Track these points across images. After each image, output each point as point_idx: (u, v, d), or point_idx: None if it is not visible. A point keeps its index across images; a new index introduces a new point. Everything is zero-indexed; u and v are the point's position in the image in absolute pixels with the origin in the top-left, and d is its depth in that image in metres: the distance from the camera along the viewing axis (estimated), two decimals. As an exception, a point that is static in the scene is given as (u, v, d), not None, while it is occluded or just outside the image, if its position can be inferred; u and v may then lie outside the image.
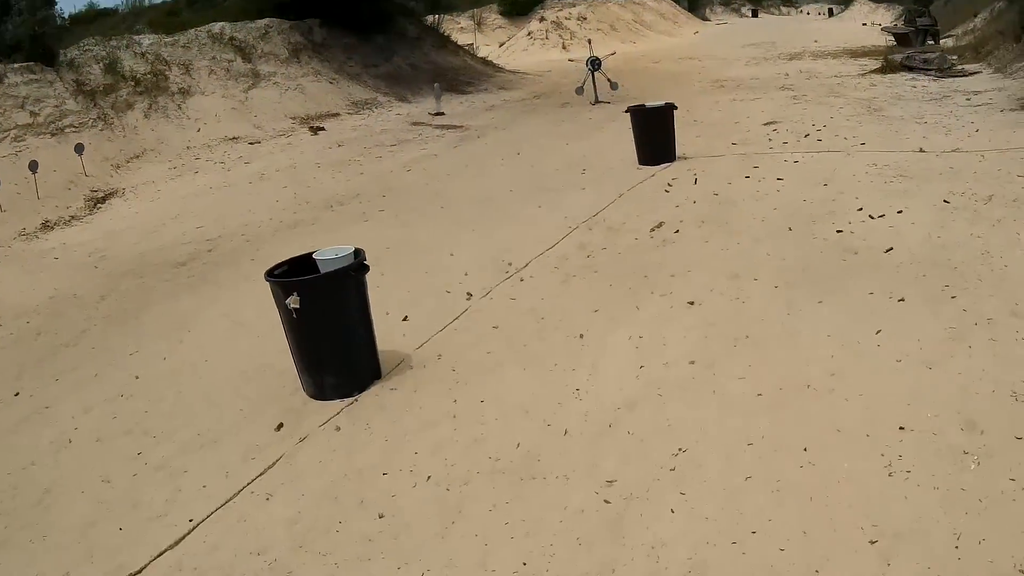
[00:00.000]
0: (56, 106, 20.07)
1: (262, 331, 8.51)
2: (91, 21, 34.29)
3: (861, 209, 10.01)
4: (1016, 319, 6.59)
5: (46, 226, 15.89)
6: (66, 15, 30.64)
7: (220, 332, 9.03)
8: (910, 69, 24.80)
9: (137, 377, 8.11)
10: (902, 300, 7.20)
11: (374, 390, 6.89)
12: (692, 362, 6.46)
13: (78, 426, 7.24)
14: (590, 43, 33.70)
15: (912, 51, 30.21)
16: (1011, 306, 6.85)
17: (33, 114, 19.47)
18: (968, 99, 18.49)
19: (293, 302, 6.48)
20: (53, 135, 19.20)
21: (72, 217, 16.38)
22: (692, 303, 7.61)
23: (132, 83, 22.35)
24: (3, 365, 9.23)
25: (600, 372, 6.56)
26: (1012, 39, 24.53)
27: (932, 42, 37.37)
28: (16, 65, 20.61)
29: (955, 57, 27.04)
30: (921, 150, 13.19)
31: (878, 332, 6.61)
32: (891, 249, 8.50)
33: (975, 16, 37.95)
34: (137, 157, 19.76)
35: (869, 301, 7.27)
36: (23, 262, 14.00)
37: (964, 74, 23.35)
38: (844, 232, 9.22)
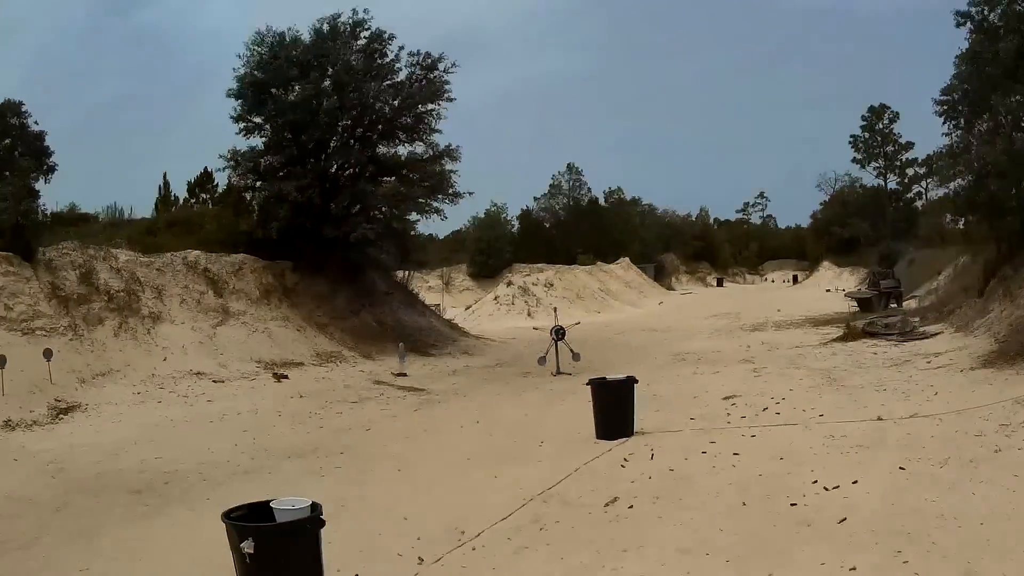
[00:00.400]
0: (30, 305, 20.32)
1: (213, 570, 8.30)
2: (71, 223, 34.57)
3: (816, 481, 10.08)
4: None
5: (8, 425, 15.99)
6: (48, 211, 31.07)
7: (171, 565, 8.98)
8: (872, 335, 25.28)
9: None
10: (853, 569, 7.18)
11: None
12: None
13: None
14: (555, 311, 34.23)
15: (874, 316, 30.86)
16: (964, 566, 6.85)
17: (7, 307, 19.77)
18: (928, 362, 18.87)
19: (248, 547, 6.47)
20: (24, 334, 19.44)
21: (34, 422, 16.46)
22: (642, 577, 7.50)
23: (106, 298, 22.59)
24: None
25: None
26: (975, 294, 25.07)
27: (895, 304, 38.12)
28: None
29: (917, 319, 27.61)
30: (879, 418, 13.43)
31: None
32: (844, 519, 8.53)
33: (939, 274, 38.90)
34: (103, 375, 19.86)
35: (820, 572, 7.24)
36: None
37: (925, 336, 23.80)
38: (798, 505, 9.25)
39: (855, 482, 9.86)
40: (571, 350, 24.99)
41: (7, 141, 32.73)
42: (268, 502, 7.12)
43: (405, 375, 25.13)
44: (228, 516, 6.91)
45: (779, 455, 11.68)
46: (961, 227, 39.47)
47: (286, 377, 23.20)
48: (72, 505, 11.48)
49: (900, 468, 10.30)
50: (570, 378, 22.82)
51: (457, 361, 29.59)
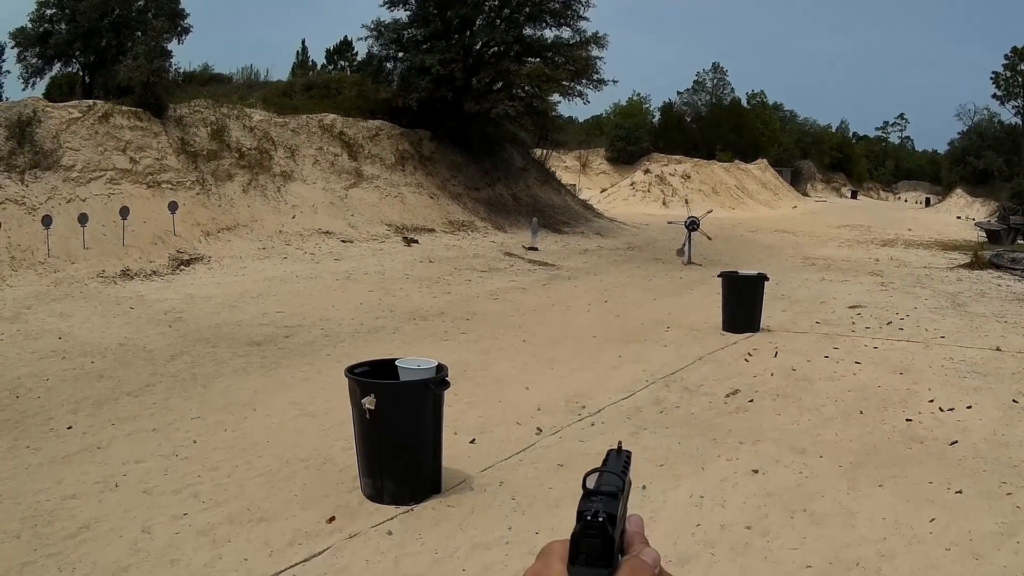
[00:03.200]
0: (157, 159, 20.81)
1: (329, 425, 8.81)
2: (204, 83, 35.31)
3: (932, 401, 10.18)
4: (1069, 520, 6.74)
5: (126, 274, 16.49)
6: (181, 71, 31.72)
7: (287, 417, 9.33)
8: (998, 267, 24.92)
9: (195, 441, 8.42)
10: (959, 492, 7.35)
11: (432, 503, 7.06)
12: (748, 527, 6.65)
13: (127, 473, 7.53)
14: (687, 202, 34.21)
15: (1002, 249, 30.28)
16: (1067, 504, 7.01)
17: (133, 161, 20.25)
18: (1050, 302, 18.62)
19: (369, 402, 6.68)
20: (149, 187, 19.95)
21: (154, 272, 16.99)
22: (756, 471, 7.79)
23: (236, 155, 23.05)
24: (61, 398, 9.69)
25: (657, 524, 6.74)
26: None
27: (1023, 240, 37.33)
28: (124, 108, 21.37)
29: (1043, 258, 27.09)
30: (998, 348, 13.35)
31: (932, 520, 6.77)
32: (955, 442, 8.67)
33: (1069, 215, 38.00)
34: (229, 229, 20.37)
35: (928, 490, 7.41)
36: (98, 303, 14.57)
37: (1050, 277, 23.40)
38: (913, 421, 9.39)
39: (969, 407, 9.93)
40: (707, 236, 25.23)
41: (140, 2, 33.35)
42: (393, 360, 7.23)
43: (536, 249, 25.46)
44: (351, 371, 6.99)
45: (899, 370, 11.78)
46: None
47: (416, 242, 23.60)
48: (187, 354, 11.92)
49: (1013, 401, 10.31)
50: (701, 269, 23.04)
51: (589, 241, 29.83)
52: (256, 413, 9.46)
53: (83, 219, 17.30)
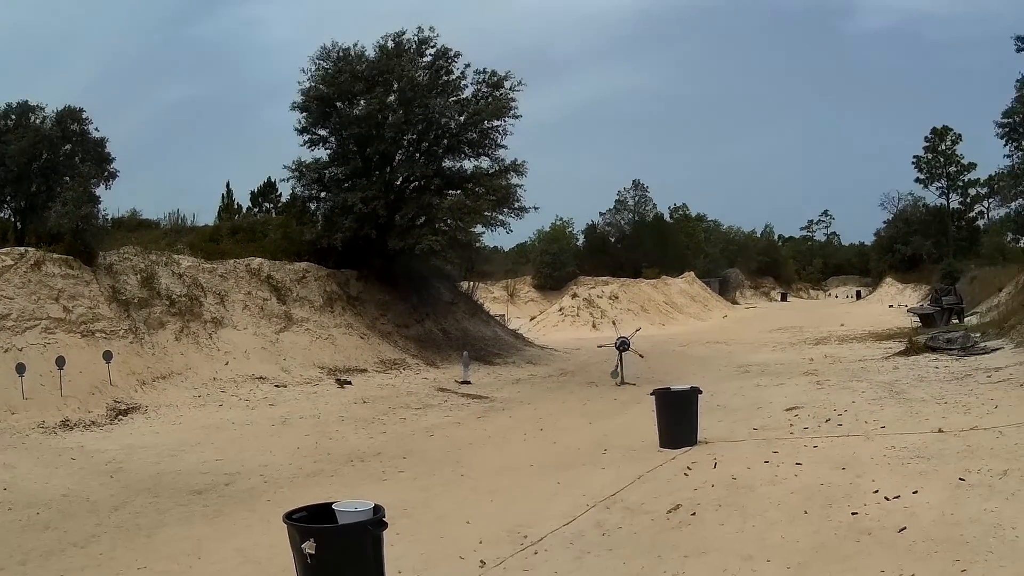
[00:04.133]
0: (90, 307, 20.55)
1: (273, 572, 8.60)
2: (132, 229, 35.13)
3: (877, 491, 10.07)
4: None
5: (66, 424, 16.27)
6: (109, 216, 31.56)
7: (231, 565, 9.11)
8: (933, 350, 25.23)
9: None
10: (913, 576, 7.20)
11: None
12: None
13: None
14: (615, 324, 34.34)
15: (936, 331, 30.66)
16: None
17: (67, 309, 19.98)
18: (989, 376, 18.81)
19: (309, 547, 6.59)
20: (83, 336, 19.68)
21: (93, 423, 16.74)
22: (704, 584, 7.60)
23: (167, 302, 22.87)
24: (8, 549, 9.46)
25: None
26: (1034, 311, 24.96)
27: (957, 320, 37.95)
28: (55, 256, 21.13)
29: (978, 334, 27.48)
30: (940, 430, 13.38)
31: (888, 613, 6.61)
32: (904, 528, 8.56)
33: (1000, 291, 38.78)
34: (163, 378, 20.14)
35: (879, 582, 7.26)
36: (40, 454, 14.34)
37: (986, 351, 23.73)
38: (859, 514, 9.27)
39: (915, 492, 9.85)
40: (639, 354, 25.23)
41: (67, 147, 33.49)
42: (330, 504, 7.25)
43: (469, 383, 25.30)
44: (290, 517, 7.03)
45: (841, 465, 11.68)
46: (1022, 246, 39.17)
47: (349, 383, 23.45)
48: (130, 504, 11.71)
49: (960, 479, 10.27)
50: (635, 388, 22.90)
51: (521, 370, 29.75)
52: (201, 562, 9.26)
53: (20, 369, 17.12)
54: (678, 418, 14.61)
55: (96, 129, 34.01)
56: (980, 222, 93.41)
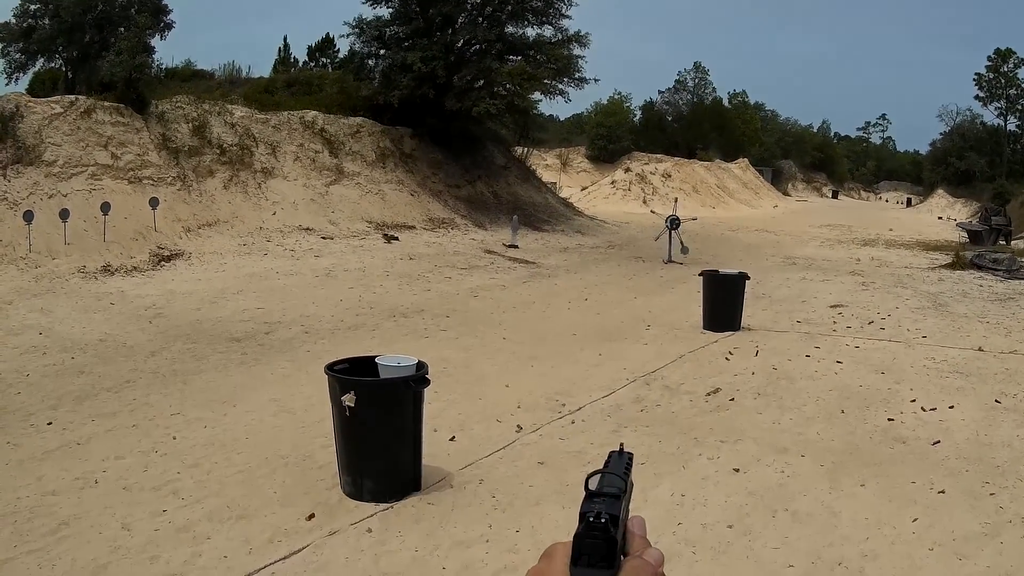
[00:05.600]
0: (138, 155, 20.65)
1: (309, 422, 8.72)
2: (186, 79, 35.27)
3: (914, 401, 10.14)
4: (1052, 521, 6.69)
5: (107, 270, 16.37)
6: (163, 67, 31.63)
7: (266, 414, 9.23)
8: (979, 267, 24.96)
9: (175, 437, 8.31)
10: (942, 492, 7.31)
11: (411, 501, 6.97)
12: (730, 526, 6.58)
13: (107, 469, 7.43)
14: (676, 201, 34.10)
15: (983, 249, 30.34)
16: (1049, 504, 6.96)
17: (114, 156, 20.09)
18: (1032, 301, 18.65)
19: (349, 400, 6.59)
20: (130, 182, 19.81)
21: (135, 268, 16.87)
22: (738, 470, 7.73)
23: (218, 151, 22.95)
24: (41, 393, 9.58)
25: (639, 522, 6.65)
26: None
27: (1004, 242, 37.52)
28: (106, 104, 21.20)
29: (1024, 259, 27.19)
30: (980, 349, 13.33)
31: (915, 520, 6.71)
32: (938, 442, 8.63)
33: (1050, 217, 38.24)
34: (209, 225, 20.27)
35: (910, 489, 7.37)
36: (79, 299, 14.47)
37: (1031, 276, 23.47)
38: (895, 421, 9.35)
39: (952, 407, 9.88)
40: (681, 242, 25.10)
41: None
42: (373, 357, 7.20)
43: (516, 247, 25.41)
44: (331, 368, 6.95)
45: (881, 369, 11.75)
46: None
47: (396, 239, 23.54)
48: (167, 350, 11.82)
49: (996, 401, 10.27)
50: (680, 267, 23.05)
51: (570, 239, 29.81)
52: (236, 410, 9.36)
53: (64, 215, 17.15)
54: (724, 302, 14.72)
55: None
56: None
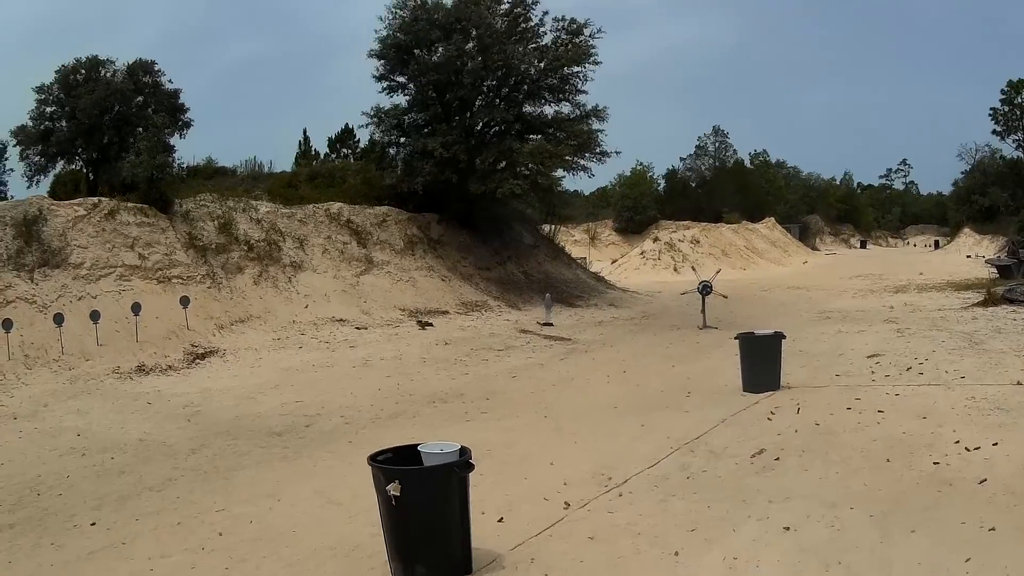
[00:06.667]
0: (166, 254, 20.90)
1: (356, 512, 8.71)
2: (208, 177, 35.57)
3: (958, 442, 10.09)
4: (1107, 549, 6.68)
5: (141, 370, 16.46)
6: (184, 165, 32.05)
7: (312, 506, 9.27)
8: (1011, 301, 24.88)
9: (221, 534, 8.35)
10: (992, 529, 7.30)
11: (464, 584, 6.97)
12: (785, 584, 6.63)
13: (154, 568, 7.48)
14: (694, 268, 34.25)
15: (1014, 283, 30.20)
16: (1101, 533, 6.95)
17: (142, 257, 20.36)
18: (1067, 331, 18.55)
19: (394, 489, 6.62)
20: (160, 282, 20.04)
21: (169, 367, 16.97)
22: (788, 528, 7.74)
23: (245, 247, 23.14)
24: (83, 495, 9.67)
25: (693, 590, 6.69)
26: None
27: (1034, 273, 37.30)
28: (130, 205, 21.56)
29: (1055, 289, 27.06)
30: (1019, 383, 13.28)
31: (967, 560, 6.72)
32: (984, 480, 8.61)
33: (1078, 249, 38.06)
34: (242, 321, 20.40)
35: (961, 530, 7.36)
36: (115, 399, 14.60)
37: (1065, 306, 23.38)
38: (940, 464, 9.33)
39: (995, 444, 9.85)
40: (722, 295, 25.66)
41: (140, 99, 33.97)
42: (416, 446, 7.24)
43: (551, 324, 25.48)
44: (374, 459, 6.99)
45: (922, 414, 11.70)
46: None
47: (431, 325, 23.63)
48: (208, 447, 11.89)
49: (1040, 432, 10.28)
50: (717, 332, 23.02)
51: (603, 312, 29.86)
52: (281, 503, 9.43)
53: (95, 316, 17.48)
54: (761, 362, 14.68)
55: (169, 81, 34.76)
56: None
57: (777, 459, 10.19)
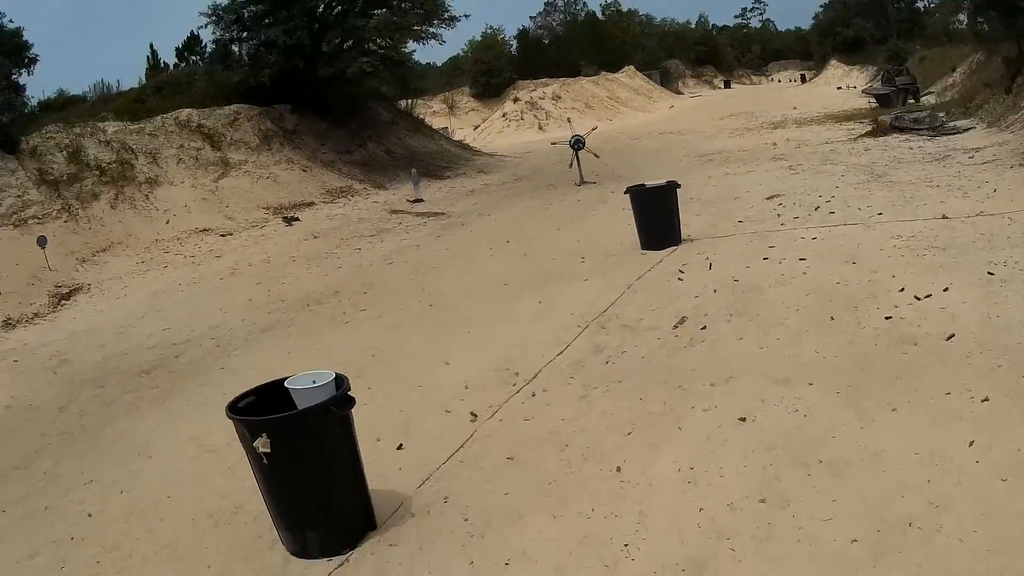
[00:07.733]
0: (18, 196, 19.31)
1: (233, 460, 7.23)
2: (59, 109, 33.91)
3: (903, 289, 8.97)
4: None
5: (8, 323, 14.78)
6: (35, 101, 30.22)
7: (185, 460, 7.80)
8: (901, 130, 24.35)
9: (90, 515, 6.91)
10: (986, 400, 6.16)
11: (369, 546, 5.64)
12: (762, 500, 5.31)
13: (22, 574, 6.14)
14: (569, 121, 33.14)
15: (900, 111, 29.72)
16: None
17: None
18: (971, 157, 17.83)
19: (262, 445, 5.22)
20: (15, 226, 18.40)
21: (36, 314, 15.34)
22: (744, 419, 6.47)
23: (97, 172, 21.53)
24: None
25: (650, 518, 5.35)
26: (1002, 91, 24.11)
27: (913, 100, 37.29)
28: None
29: (943, 114, 26.59)
30: (944, 216, 12.25)
31: (971, 444, 5.56)
32: (952, 336, 7.46)
33: (953, 71, 38.07)
34: (104, 251, 18.87)
35: (948, 403, 6.21)
36: None
37: (957, 131, 22.88)
38: (894, 318, 8.17)
39: (946, 289, 8.75)
40: (594, 154, 24.25)
41: None
42: (282, 381, 5.80)
43: (422, 200, 24.23)
44: (235, 408, 5.57)
45: (850, 259, 10.61)
46: (967, 27, 38.09)
47: (297, 219, 22.32)
48: (75, 402, 10.25)
49: (989, 273, 9.12)
50: (596, 187, 21.87)
51: (473, 180, 28.59)
52: (152, 462, 7.90)
53: (-53, 276, 15.75)
54: (658, 216, 13.48)
55: (10, 21, 32.33)
56: (920, 3, 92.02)
57: (704, 328, 8.92)
